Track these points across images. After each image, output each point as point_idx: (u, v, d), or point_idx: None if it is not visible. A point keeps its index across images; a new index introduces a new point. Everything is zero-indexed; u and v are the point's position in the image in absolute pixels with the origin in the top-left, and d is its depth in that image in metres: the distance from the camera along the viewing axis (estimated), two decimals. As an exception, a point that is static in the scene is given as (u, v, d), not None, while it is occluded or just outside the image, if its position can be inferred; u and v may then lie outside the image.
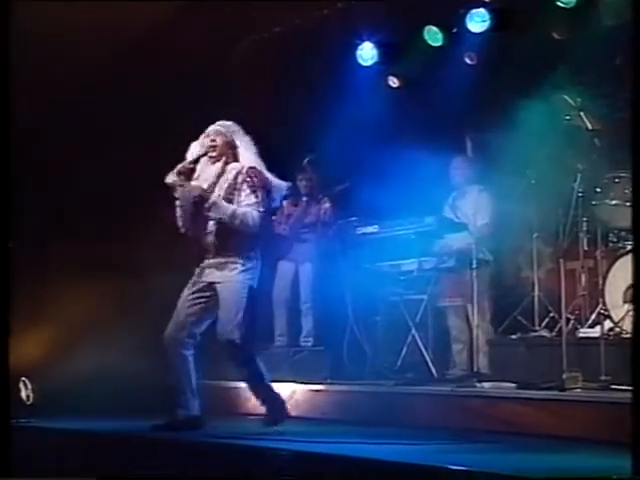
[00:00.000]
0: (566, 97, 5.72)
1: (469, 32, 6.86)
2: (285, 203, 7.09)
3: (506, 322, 6.03)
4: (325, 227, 6.82)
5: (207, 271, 4.75)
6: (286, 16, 7.33)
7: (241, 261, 4.71)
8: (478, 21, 6.74)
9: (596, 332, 5.17)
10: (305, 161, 7.01)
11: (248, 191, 4.73)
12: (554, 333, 5.44)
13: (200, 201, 4.70)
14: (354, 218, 6.45)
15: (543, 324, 5.76)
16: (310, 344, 6.82)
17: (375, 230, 6.30)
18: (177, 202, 4.83)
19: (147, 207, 6.18)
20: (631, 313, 5.14)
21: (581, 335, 5.38)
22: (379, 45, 7.36)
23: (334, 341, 6.46)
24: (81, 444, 4.71)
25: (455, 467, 3.34)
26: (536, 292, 5.87)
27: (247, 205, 4.71)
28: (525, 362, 5.30)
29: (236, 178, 4.76)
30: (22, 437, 4.43)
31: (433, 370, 5.94)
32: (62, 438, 4.85)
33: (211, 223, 4.74)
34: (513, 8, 6.62)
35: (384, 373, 6.06)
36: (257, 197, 4.74)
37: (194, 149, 4.90)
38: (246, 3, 6.76)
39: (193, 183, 4.76)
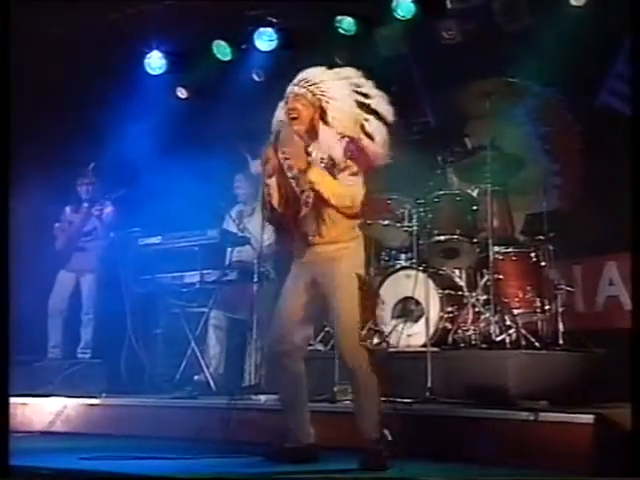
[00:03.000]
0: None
1: (257, 49, 7.01)
2: (67, 209, 6.94)
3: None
4: (107, 232, 6.71)
5: None
6: (75, 18, 7.12)
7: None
8: (265, 40, 6.91)
9: (366, 346, 5.40)
10: (90, 167, 6.88)
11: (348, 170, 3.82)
12: (328, 347, 5.63)
13: None
14: (137, 229, 6.38)
15: (319, 338, 5.94)
16: (88, 356, 6.67)
17: (158, 241, 6.26)
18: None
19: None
20: (398, 328, 5.45)
21: (352, 349, 5.59)
22: (168, 55, 7.34)
23: (112, 354, 6.33)
24: None
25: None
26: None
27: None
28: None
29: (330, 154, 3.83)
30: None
31: (212, 383, 5.97)
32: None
33: None
34: (299, 30, 6.84)
35: (162, 387, 6.01)
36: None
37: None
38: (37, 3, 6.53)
39: None
